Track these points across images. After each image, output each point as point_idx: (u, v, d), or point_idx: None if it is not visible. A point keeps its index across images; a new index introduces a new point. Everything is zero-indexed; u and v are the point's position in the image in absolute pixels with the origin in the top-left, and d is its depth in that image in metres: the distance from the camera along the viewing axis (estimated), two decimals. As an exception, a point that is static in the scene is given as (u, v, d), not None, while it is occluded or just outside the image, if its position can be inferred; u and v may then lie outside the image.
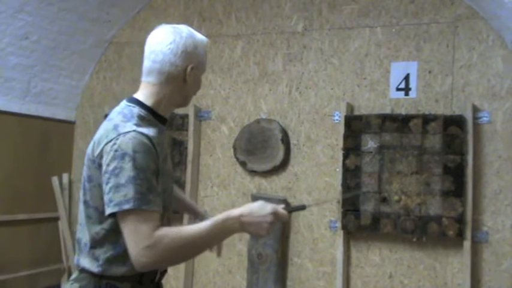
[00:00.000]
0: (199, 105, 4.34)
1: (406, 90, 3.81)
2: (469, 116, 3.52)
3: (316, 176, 4.00)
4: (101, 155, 1.45)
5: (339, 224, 3.77)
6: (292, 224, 4.03)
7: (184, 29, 1.59)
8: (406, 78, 3.81)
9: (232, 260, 4.20)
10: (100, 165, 1.45)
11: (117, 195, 1.38)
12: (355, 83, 3.95)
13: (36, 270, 4.39)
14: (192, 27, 1.66)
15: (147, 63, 1.60)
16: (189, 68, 1.57)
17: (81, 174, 1.57)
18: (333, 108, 3.98)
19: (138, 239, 1.36)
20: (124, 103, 1.58)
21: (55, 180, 4.60)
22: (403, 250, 3.71)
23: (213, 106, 4.36)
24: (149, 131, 1.49)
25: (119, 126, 1.46)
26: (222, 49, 4.37)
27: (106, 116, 4.99)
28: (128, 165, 1.39)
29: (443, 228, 3.45)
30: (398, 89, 3.83)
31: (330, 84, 4.03)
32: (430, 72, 3.76)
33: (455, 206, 3.45)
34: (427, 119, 3.57)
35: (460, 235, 3.44)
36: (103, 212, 1.44)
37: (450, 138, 3.50)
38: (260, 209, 1.48)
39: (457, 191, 3.45)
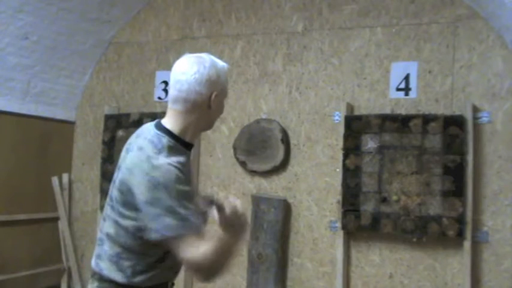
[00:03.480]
0: (199, 105, 4.34)
1: (406, 90, 3.81)
2: (469, 116, 3.52)
3: (316, 176, 4.00)
4: (135, 184, 1.53)
5: (339, 224, 3.77)
6: (292, 224, 4.03)
7: (207, 58, 1.67)
8: (406, 78, 3.81)
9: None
10: (132, 192, 1.54)
11: (159, 224, 1.50)
12: (355, 83, 3.95)
13: (36, 270, 4.39)
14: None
15: (173, 92, 1.66)
16: (213, 95, 1.65)
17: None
18: (333, 108, 3.98)
19: (187, 262, 1.53)
20: (153, 130, 1.64)
21: (55, 180, 4.60)
22: (403, 250, 3.71)
23: (213, 106, 4.35)
24: (178, 160, 1.58)
25: (152, 158, 1.55)
26: (222, 49, 4.36)
27: (106, 116, 4.97)
28: (164, 195, 1.50)
29: (443, 228, 3.45)
30: (398, 89, 3.83)
31: (330, 84, 4.02)
32: (430, 72, 3.76)
33: (455, 206, 3.44)
34: (427, 119, 3.57)
35: (460, 235, 3.43)
36: (135, 231, 1.56)
37: (450, 138, 3.50)
38: None
39: (457, 191, 3.45)
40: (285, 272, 4.01)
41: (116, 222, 1.61)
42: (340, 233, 3.77)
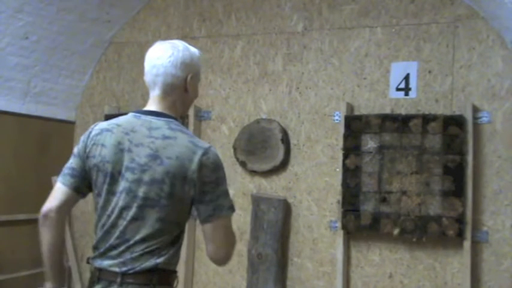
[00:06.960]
0: (199, 105, 4.34)
1: (406, 90, 3.81)
2: (469, 116, 3.51)
3: (316, 176, 4.00)
4: (197, 169, 1.58)
5: (339, 224, 3.77)
6: (292, 224, 4.03)
7: (179, 43, 1.74)
8: (406, 78, 3.81)
9: (232, 260, 4.19)
10: (191, 180, 1.58)
11: (227, 201, 1.64)
12: (355, 83, 3.95)
13: (36, 270, 4.38)
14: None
15: (150, 78, 1.72)
16: (188, 77, 1.70)
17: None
18: (333, 108, 3.98)
19: (232, 239, 1.71)
20: (163, 119, 1.66)
21: (55, 180, 4.59)
22: (403, 250, 3.71)
23: (213, 106, 4.36)
24: None
25: (198, 142, 1.63)
26: (222, 49, 4.36)
27: (106, 116, 4.97)
28: (224, 175, 1.65)
29: (443, 228, 3.45)
30: (398, 89, 3.83)
31: (330, 84, 4.03)
32: (430, 72, 3.76)
33: (455, 206, 3.44)
34: (427, 119, 3.57)
35: (460, 235, 3.43)
36: (180, 222, 1.65)
37: (450, 138, 3.50)
38: None
39: (457, 191, 3.45)
40: (285, 271, 4.01)
41: (161, 220, 1.60)
42: (340, 233, 3.77)
